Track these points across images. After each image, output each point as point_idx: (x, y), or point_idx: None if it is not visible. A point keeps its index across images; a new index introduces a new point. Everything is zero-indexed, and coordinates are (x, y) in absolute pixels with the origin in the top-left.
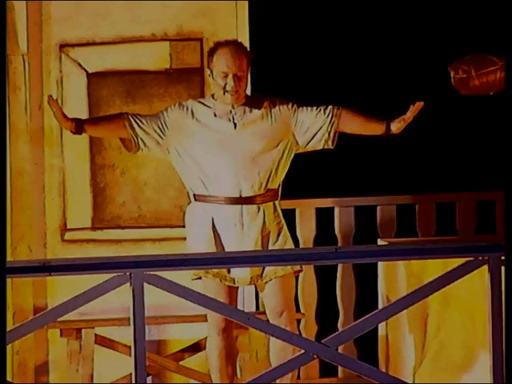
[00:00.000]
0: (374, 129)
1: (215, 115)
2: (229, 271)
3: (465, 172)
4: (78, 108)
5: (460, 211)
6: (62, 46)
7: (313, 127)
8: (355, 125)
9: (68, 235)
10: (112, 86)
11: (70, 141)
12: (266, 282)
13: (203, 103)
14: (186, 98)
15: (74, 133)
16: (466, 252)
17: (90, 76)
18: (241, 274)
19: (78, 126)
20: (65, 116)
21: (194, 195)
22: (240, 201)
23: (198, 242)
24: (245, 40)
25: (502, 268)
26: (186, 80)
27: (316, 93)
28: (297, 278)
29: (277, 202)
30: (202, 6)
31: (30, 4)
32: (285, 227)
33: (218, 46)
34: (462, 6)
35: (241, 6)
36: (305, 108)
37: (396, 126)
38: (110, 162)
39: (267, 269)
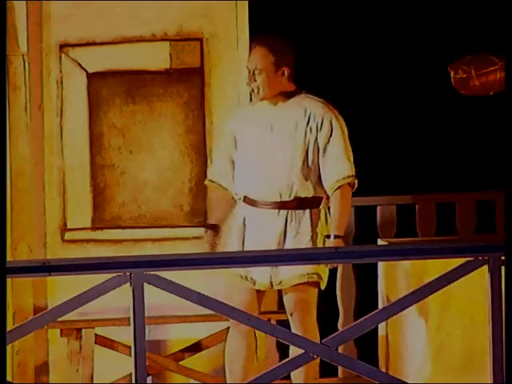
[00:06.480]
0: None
1: (254, 119)
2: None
3: (465, 172)
4: (78, 108)
5: (460, 211)
6: (62, 46)
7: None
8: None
9: (68, 235)
10: (112, 86)
11: (70, 141)
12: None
13: (244, 109)
14: (186, 98)
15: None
16: (466, 252)
17: (89, 76)
18: (261, 278)
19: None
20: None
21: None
22: (279, 205)
23: (231, 243)
24: (245, 40)
25: (502, 268)
26: (185, 80)
27: (316, 93)
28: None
29: (322, 210)
30: (201, 6)
31: (29, 4)
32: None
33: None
34: (462, 5)
35: (241, 6)
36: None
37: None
38: (110, 161)
39: (285, 277)
